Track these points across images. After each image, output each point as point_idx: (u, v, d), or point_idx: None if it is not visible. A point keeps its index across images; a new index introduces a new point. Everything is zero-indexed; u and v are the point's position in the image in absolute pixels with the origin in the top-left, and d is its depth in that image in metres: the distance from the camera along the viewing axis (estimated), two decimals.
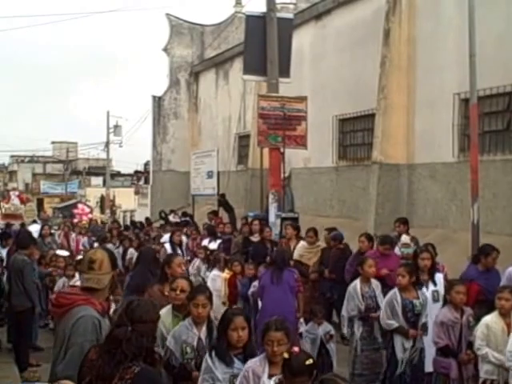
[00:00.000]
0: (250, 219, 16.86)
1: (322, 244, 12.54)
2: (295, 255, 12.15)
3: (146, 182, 34.19)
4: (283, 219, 15.55)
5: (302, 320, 9.46)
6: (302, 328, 9.28)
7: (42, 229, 16.78)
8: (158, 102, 31.43)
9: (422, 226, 15.34)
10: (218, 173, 22.03)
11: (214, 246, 14.47)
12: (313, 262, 12.12)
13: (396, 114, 16.30)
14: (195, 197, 24.55)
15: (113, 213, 46.20)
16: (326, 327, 9.16)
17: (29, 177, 70.19)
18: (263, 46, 16.75)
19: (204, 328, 5.83)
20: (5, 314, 11.53)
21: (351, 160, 19.01)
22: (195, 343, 5.76)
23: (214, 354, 5.30)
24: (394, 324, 7.74)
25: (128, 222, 32.37)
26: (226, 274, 11.34)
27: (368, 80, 17.15)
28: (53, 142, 69.60)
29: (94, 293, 4.60)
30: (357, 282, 8.69)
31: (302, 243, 12.50)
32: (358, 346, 8.51)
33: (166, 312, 6.16)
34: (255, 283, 10.52)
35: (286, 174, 18.45)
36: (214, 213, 20.29)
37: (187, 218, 21.18)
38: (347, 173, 18.91)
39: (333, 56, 19.50)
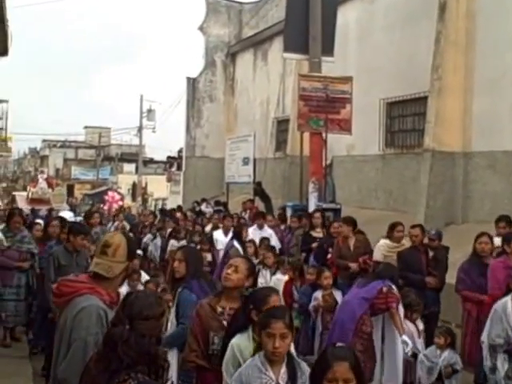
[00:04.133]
0: (288, 210, 15.84)
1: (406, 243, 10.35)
2: (378, 256, 10.14)
3: (179, 168, 33.29)
4: (324, 210, 14.41)
5: (405, 337, 7.30)
6: (421, 352, 7.40)
7: (87, 217, 13.68)
8: (192, 84, 30.25)
9: (478, 221, 14.08)
10: (255, 159, 20.93)
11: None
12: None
13: (451, 96, 15.03)
14: (230, 185, 23.60)
15: (144, 201, 45.52)
16: (451, 357, 7.30)
17: (60, 162, 69.90)
18: (305, 22, 15.94)
19: (283, 369, 4.20)
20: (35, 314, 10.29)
21: (400, 147, 17.86)
22: None
23: None
24: None
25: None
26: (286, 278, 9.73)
27: (420, 59, 16.01)
28: (85, 127, 69.24)
29: (101, 281, 4.14)
30: (508, 300, 6.49)
31: (384, 241, 10.26)
32: None
33: (244, 337, 4.60)
34: (317, 294, 8.66)
35: (328, 162, 17.48)
36: (250, 202, 19.25)
37: (220, 207, 20.03)
38: (395, 161, 17.77)
39: (381, 33, 18.30)
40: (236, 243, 11.65)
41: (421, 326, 7.90)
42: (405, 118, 17.86)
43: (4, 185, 75.96)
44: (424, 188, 15.10)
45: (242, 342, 4.55)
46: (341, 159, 19.72)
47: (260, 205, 19.85)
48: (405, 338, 7.26)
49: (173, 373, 5.91)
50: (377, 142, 18.36)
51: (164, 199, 39.20)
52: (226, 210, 19.70)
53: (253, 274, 5.38)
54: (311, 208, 15.46)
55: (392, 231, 10.16)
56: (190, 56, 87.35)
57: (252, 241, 11.90)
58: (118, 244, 4.20)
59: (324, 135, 15.73)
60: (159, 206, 36.21)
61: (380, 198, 18.28)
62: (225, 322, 5.01)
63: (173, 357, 5.88)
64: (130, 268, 4.32)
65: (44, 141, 72.90)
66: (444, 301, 9.64)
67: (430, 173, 15.01)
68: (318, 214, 12.64)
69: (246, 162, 21.19)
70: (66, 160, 69.86)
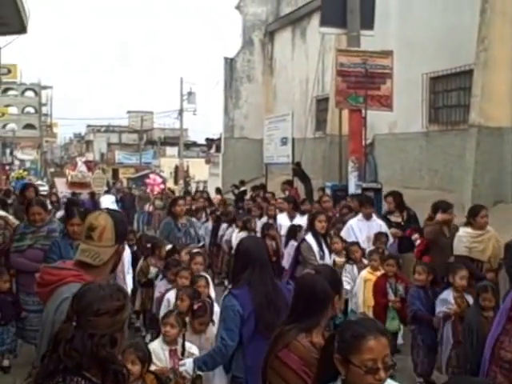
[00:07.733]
0: (327, 190, 15.28)
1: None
2: (460, 248, 8.34)
3: (218, 150, 32.96)
4: (364, 190, 13.95)
5: None
6: None
7: (171, 205, 10.95)
8: (230, 64, 29.70)
9: None
10: (293, 139, 20.36)
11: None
12: (487, 257, 8.27)
13: (499, 68, 14.19)
14: (270, 166, 23.13)
15: (186, 184, 45.54)
16: None
17: (104, 146, 70.63)
18: None
19: None
20: None
21: (444, 124, 17.10)
22: None
23: None
24: None
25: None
26: (370, 274, 8.43)
27: (465, 31, 15.21)
28: (128, 112, 69.83)
29: (90, 269, 3.66)
30: None
31: (465, 229, 8.46)
32: None
33: None
34: (446, 296, 7.08)
35: (369, 141, 16.94)
36: (289, 183, 18.73)
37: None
38: (439, 139, 17.00)
39: (423, 4, 17.47)
40: (310, 237, 9.02)
41: None
42: (449, 93, 17.12)
43: (52, 170, 76.95)
44: (470, 166, 14.35)
45: None
46: (382, 137, 19.14)
47: (299, 186, 19.43)
48: None
49: None
50: (420, 119, 17.67)
51: (205, 182, 39.17)
52: (265, 192, 19.20)
53: None
54: (351, 188, 14.99)
55: (474, 217, 8.40)
56: (228, 36, 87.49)
57: (341, 237, 9.91)
58: (103, 226, 3.73)
59: (363, 112, 15.23)
60: (200, 189, 36.14)
61: (424, 177, 17.62)
62: None
63: (221, 381, 5.03)
64: (120, 252, 3.83)
65: (88, 126, 73.78)
66: None
67: (476, 150, 14.22)
68: (390, 198, 10.94)
69: (284, 142, 20.64)
70: (109, 144, 70.58)
